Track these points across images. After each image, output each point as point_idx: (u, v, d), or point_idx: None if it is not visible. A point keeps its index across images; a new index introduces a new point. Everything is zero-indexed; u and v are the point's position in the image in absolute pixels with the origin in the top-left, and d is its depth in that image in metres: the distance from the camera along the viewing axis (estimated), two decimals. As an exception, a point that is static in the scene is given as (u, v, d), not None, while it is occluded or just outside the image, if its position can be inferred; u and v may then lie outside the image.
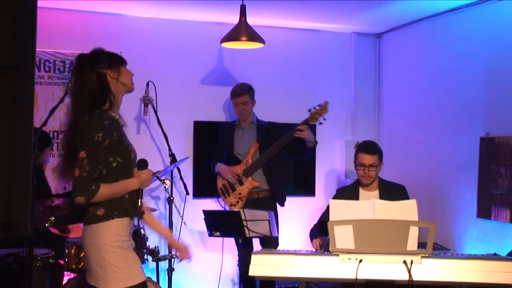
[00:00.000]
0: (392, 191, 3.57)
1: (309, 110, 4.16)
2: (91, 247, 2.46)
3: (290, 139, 4.09)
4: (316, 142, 4.24)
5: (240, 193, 4.26)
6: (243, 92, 4.29)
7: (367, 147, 3.67)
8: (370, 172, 3.60)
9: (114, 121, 2.54)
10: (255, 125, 4.39)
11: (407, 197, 3.55)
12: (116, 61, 2.59)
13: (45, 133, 4.18)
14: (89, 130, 2.41)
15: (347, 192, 3.70)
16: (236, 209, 4.21)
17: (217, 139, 4.54)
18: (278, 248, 4.07)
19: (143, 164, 2.64)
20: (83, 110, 2.47)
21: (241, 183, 4.26)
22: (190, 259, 2.95)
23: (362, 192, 3.67)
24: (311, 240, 3.59)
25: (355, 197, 3.62)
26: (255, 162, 4.22)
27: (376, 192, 3.64)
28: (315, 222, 3.80)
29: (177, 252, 2.99)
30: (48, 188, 4.23)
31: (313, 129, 5.22)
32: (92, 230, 2.46)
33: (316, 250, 3.41)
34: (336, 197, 3.71)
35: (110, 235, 2.45)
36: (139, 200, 2.61)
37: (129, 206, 2.54)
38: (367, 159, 3.61)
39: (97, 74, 2.50)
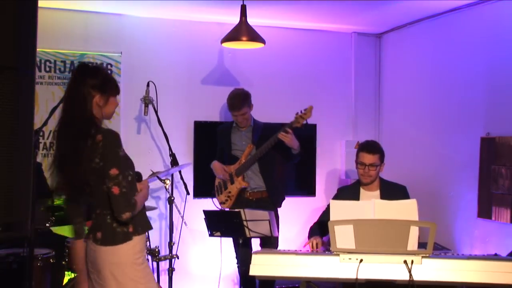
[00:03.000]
0: (393, 191, 3.57)
1: (296, 114, 4.14)
2: (114, 267, 2.44)
3: (276, 141, 4.07)
4: (299, 151, 4.16)
5: (230, 192, 4.27)
6: (240, 106, 4.18)
7: (369, 147, 3.67)
8: (370, 171, 3.60)
9: None
10: (252, 126, 4.39)
11: (408, 198, 3.54)
12: (109, 89, 2.55)
13: None
14: (112, 146, 2.41)
15: (348, 191, 3.70)
16: (225, 208, 4.23)
17: (217, 141, 4.54)
18: (278, 248, 4.07)
19: (138, 176, 2.66)
20: (80, 129, 2.43)
21: (232, 182, 4.27)
22: None
23: (362, 192, 3.67)
24: (309, 238, 3.58)
25: (356, 196, 3.62)
26: (245, 162, 4.23)
27: (377, 192, 3.64)
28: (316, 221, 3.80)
29: None
30: (47, 187, 4.23)
31: (313, 129, 5.24)
32: (118, 249, 2.44)
33: (312, 248, 3.40)
34: (336, 196, 3.71)
35: (135, 252, 2.46)
36: None
37: (147, 220, 2.59)
38: (368, 158, 3.61)
39: (87, 91, 2.46)
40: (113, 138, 2.44)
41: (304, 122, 4.10)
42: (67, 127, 2.47)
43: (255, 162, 4.21)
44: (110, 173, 2.37)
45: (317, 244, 3.39)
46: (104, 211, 2.49)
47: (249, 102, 4.28)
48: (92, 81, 2.48)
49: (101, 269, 2.47)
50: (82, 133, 2.43)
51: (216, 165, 4.35)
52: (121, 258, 2.43)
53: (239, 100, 4.22)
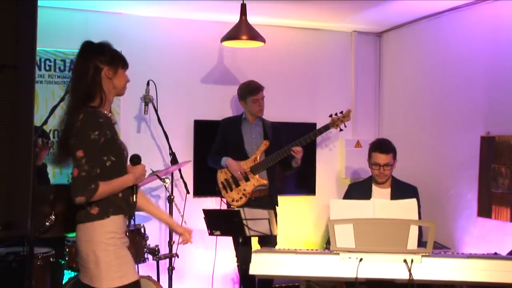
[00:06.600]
0: (404, 191, 3.56)
1: (330, 116, 4.23)
2: (85, 245, 2.45)
3: (307, 141, 4.19)
4: (299, 165, 4.28)
5: (244, 189, 4.26)
6: (262, 87, 4.35)
7: (381, 146, 3.65)
8: (386, 171, 3.60)
9: (108, 119, 2.52)
10: (261, 121, 4.40)
11: (418, 199, 3.54)
12: (117, 61, 2.58)
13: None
14: (85, 128, 2.40)
15: (360, 188, 3.71)
16: (237, 206, 4.23)
17: (218, 133, 4.52)
18: (276, 247, 4.07)
19: (137, 159, 2.63)
20: (77, 106, 2.47)
21: (247, 180, 4.25)
22: (191, 242, 3.01)
23: (375, 189, 3.67)
24: None
25: (368, 193, 3.62)
26: (265, 160, 4.22)
27: (389, 190, 3.64)
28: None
29: (179, 235, 3.01)
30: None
31: (313, 128, 5.23)
32: (86, 228, 2.45)
33: None
34: (348, 192, 3.72)
35: (105, 232, 2.44)
36: (134, 196, 2.59)
37: (123, 204, 2.53)
38: (382, 158, 3.60)
39: (94, 66, 2.50)
40: (90, 120, 2.41)
41: (343, 125, 4.25)
42: (70, 103, 2.51)
43: (275, 162, 4.22)
44: (76, 154, 2.39)
45: None
46: None
47: None
48: (99, 57, 2.53)
49: (78, 248, 2.50)
50: (76, 109, 2.45)
51: (231, 162, 4.28)
52: (92, 236, 2.43)
53: (258, 83, 4.38)
